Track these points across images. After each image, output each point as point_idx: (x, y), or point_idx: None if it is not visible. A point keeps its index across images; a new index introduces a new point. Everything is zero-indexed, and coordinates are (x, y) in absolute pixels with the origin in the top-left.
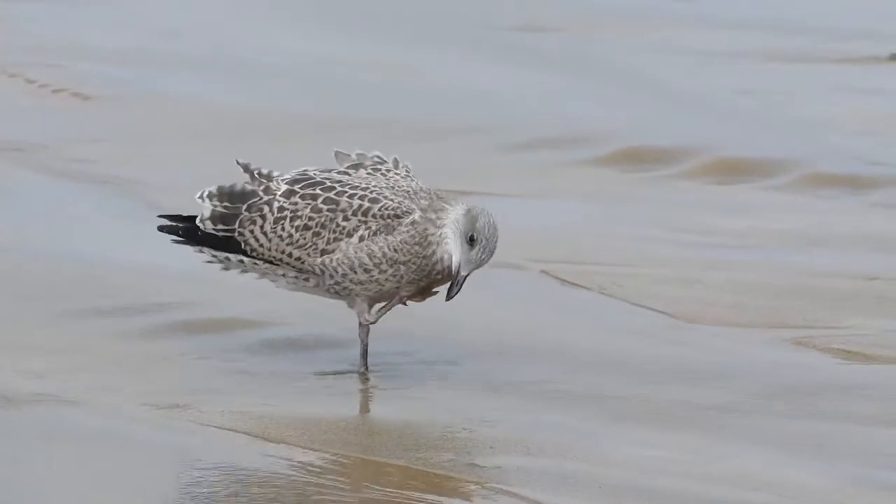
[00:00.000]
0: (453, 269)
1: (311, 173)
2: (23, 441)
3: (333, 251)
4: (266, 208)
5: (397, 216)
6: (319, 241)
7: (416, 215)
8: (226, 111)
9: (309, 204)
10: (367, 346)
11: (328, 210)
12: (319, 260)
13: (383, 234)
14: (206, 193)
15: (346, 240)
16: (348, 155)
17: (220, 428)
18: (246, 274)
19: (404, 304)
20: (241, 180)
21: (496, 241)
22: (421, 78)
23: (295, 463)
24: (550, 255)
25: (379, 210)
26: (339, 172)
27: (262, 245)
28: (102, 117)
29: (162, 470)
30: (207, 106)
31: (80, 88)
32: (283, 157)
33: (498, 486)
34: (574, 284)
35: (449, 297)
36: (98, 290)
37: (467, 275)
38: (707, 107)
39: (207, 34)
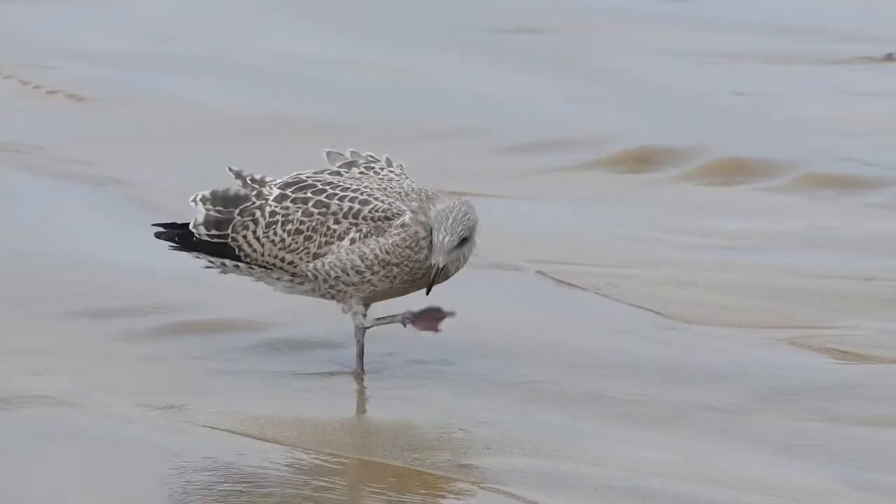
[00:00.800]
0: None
1: (304, 176)
2: (17, 442)
3: (325, 255)
4: (258, 213)
5: (388, 218)
6: (311, 245)
7: (407, 217)
8: (221, 113)
9: (300, 208)
10: (363, 346)
11: (319, 214)
12: (312, 265)
13: (374, 237)
14: (199, 197)
15: (338, 243)
16: (341, 154)
17: (215, 428)
18: (243, 277)
19: (404, 325)
20: (234, 185)
21: (458, 219)
22: (418, 80)
23: (290, 463)
24: (546, 256)
25: (369, 212)
26: (331, 173)
27: (255, 250)
28: (97, 119)
29: (157, 470)
30: (203, 107)
31: (75, 90)
32: (280, 159)
33: (494, 486)
34: (570, 285)
35: (427, 290)
36: (93, 292)
37: (442, 266)
38: (702, 108)
39: (203, 36)
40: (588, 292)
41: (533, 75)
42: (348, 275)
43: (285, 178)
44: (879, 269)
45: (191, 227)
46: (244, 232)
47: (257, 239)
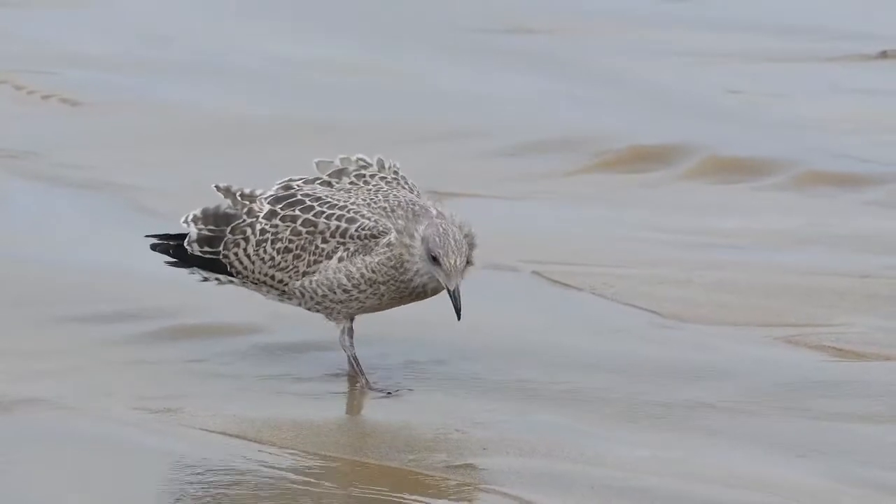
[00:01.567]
0: (447, 290)
1: (295, 187)
2: (14, 445)
3: (314, 273)
4: (249, 230)
5: (374, 236)
6: (300, 264)
7: (392, 236)
8: (219, 116)
9: (289, 226)
10: (354, 356)
11: (307, 233)
12: (299, 283)
13: (360, 255)
14: (190, 217)
15: (326, 262)
16: (331, 162)
17: (211, 431)
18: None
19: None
20: (225, 202)
21: (459, 239)
22: (416, 82)
23: (286, 465)
24: (542, 257)
25: (356, 230)
26: (321, 182)
27: (245, 267)
28: (92, 123)
29: (153, 473)
30: (199, 111)
31: (70, 94)
32: (278, 162)
33: (491, 486)
34: (565, 285)
35: (458, 315)
36: (88, 296)
37: (456, 286)
38: (699, 107)
39: (198, 39)
40: (584, 292)
41: (529, 76)
42: (335, 293)
43: (275, 190)
44: (876, 267)
45: (185, 244)
46: (235, 249)
47: (248, 256)
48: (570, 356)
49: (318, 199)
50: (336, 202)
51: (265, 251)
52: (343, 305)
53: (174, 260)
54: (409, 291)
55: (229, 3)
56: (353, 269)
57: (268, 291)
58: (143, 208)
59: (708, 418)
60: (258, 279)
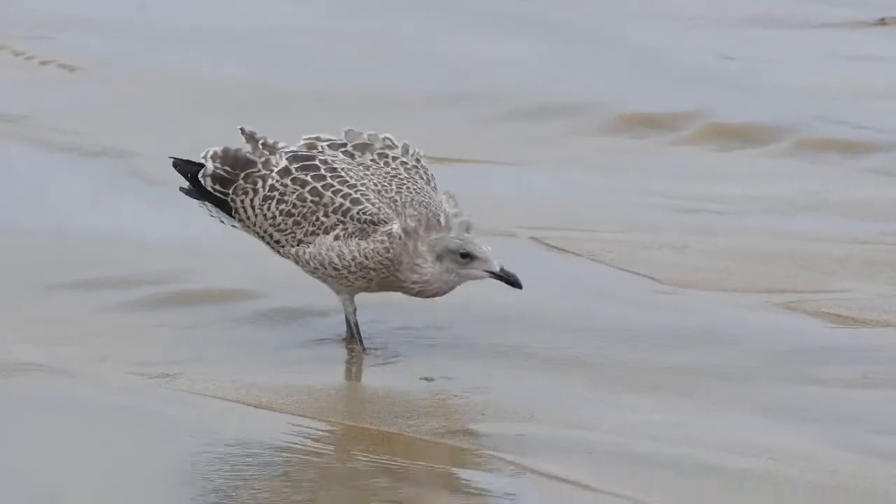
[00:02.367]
0: (493, 275)
1: (318, 148)
2: (11, 410)
3: (310, 244)
4: (260, 182)
5: (374, 223)
6: (298, 231)
7: (394, 227)
8: (217, 82)
9: (296, 190)
10: (356, 323)
11: (312, 202)
12: (294, 250)
13: (356, 238)
14: (210, 154)
15: (323, 236)
16: (360, 133)
17: (210, 396)
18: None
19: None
20: (246, 146)
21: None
22: (416, 48)
23: (285, 431)
24: (541, 223)
25: (357, 213)
26: (345, 152)
27: (248, 217)
28: (90, 89)
29: (151, 438)
30: (197, 77)
31: (68, 60)
32: (277, 130)
33: (490, 452)
34: (564, 251)
35: (519, 285)
36: (86, 262)
37: (500, 267)
38: (697, 74)
39: (197, 5)
40: (582, 258)
41: (529, 42)
42: (325, 268)
43: (298, 147)
44: (875, 233)
45: (199, 176)
46: (243, 197)
47: (252, 208)
48: (569, 322)
49: (333, 169)
50: (348, 179)
51: (269, 208)
52: (334, 280)
53: (189, 188)
54: (398, 285)
55: None
56: (346, 251)
57: (266, 246)
58: (139, 174)
59: (707, 384)
60: (257, 232)
